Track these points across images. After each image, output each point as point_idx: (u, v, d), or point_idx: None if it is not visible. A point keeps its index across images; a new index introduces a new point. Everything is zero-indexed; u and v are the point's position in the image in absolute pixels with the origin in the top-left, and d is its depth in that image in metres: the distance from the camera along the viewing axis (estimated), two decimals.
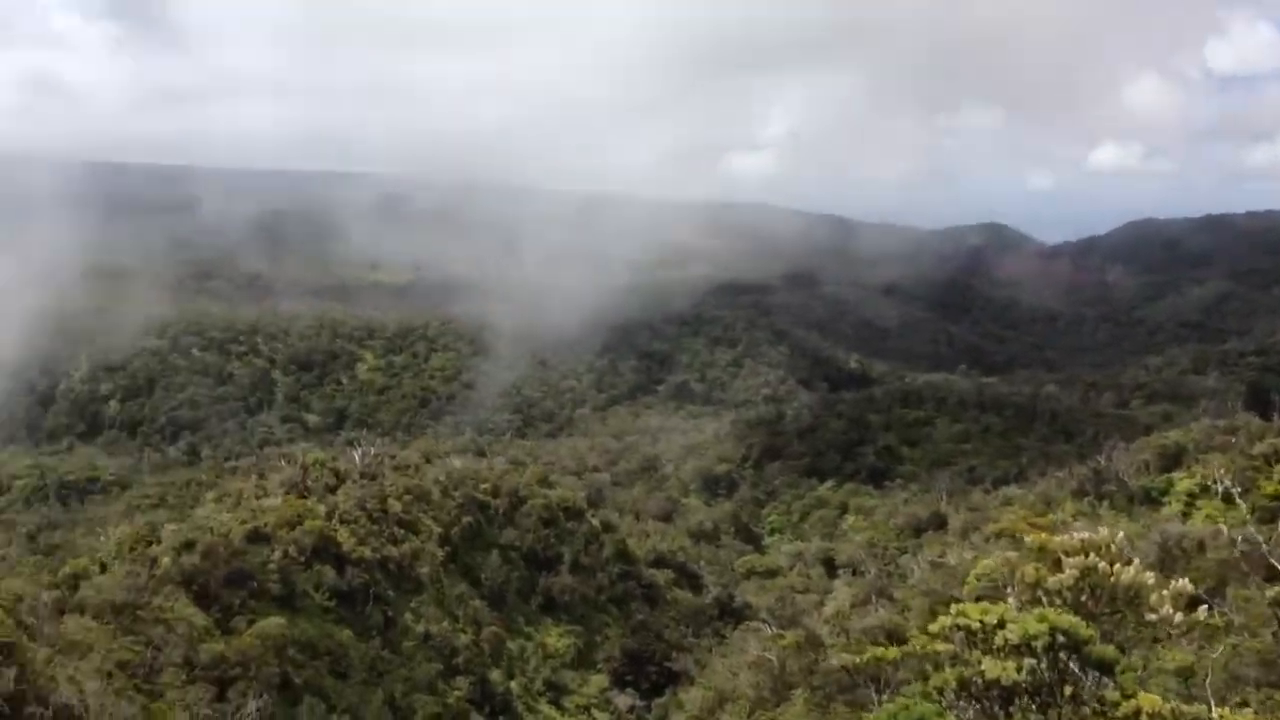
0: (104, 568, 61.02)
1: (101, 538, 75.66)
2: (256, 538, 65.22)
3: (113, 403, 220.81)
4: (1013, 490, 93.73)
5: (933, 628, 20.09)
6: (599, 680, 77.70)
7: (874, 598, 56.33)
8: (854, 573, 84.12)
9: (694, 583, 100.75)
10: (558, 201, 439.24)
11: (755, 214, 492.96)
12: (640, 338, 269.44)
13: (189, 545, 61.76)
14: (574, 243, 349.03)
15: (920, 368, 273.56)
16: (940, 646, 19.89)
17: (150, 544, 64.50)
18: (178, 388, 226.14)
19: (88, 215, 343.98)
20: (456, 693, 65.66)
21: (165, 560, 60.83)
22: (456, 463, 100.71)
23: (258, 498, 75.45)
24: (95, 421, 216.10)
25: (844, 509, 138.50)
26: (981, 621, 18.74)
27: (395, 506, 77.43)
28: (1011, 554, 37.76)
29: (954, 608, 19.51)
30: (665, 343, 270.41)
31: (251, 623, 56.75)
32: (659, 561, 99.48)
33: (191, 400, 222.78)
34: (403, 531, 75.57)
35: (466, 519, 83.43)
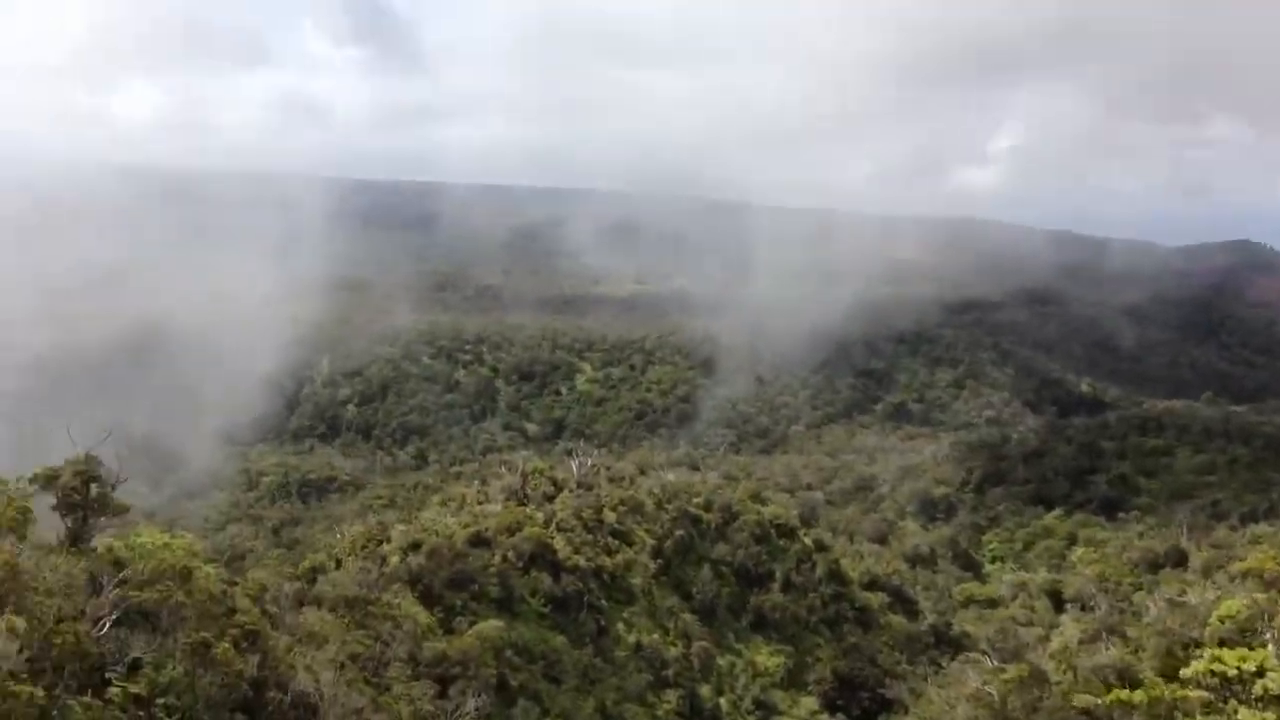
0: (338, 564, 64.42)
1: (337, 535, 79.92)
2: (478, 542, 67.44)
3: (350, 407, 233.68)
4: (1263, 528, 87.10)
5: (1185, 673, 18.60)
6: (809, 702, 76.43)
7: (1104, 635, 53.14)
8: (1082, 607, 79.68)
9: (909, 608, 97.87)
10: (780, 217, 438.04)
11: (982, 229, 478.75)
12: (858, 355, 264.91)
13: (416, 546, 64.49)
14: (795, 258, 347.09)
15: (1159, 393, 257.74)
16: (1191, 693, 18.37)
17: (380, 543, 67.74)
18: (409, 394, 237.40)
19: (335, 229, 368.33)
20: (666, 705, 65.93)
21: (394, 559, 63.74)
22: (670, 476, 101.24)
23: (480, 503, 78.12)
24: (334, 424, 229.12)
25: (1072, 540, 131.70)
26: (1239, 668, 17.21)
27: (610, 517, 78.59)
28: (1259, 595, 34.85)
29: (1208, 652, 18.02)
30: (883, 361, 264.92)
31: (472, 624, 58.62)
32: (873, 584, 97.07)
33: (421, 406, 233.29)
34: (617, 542, 76.61)
35: (679, 532, 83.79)
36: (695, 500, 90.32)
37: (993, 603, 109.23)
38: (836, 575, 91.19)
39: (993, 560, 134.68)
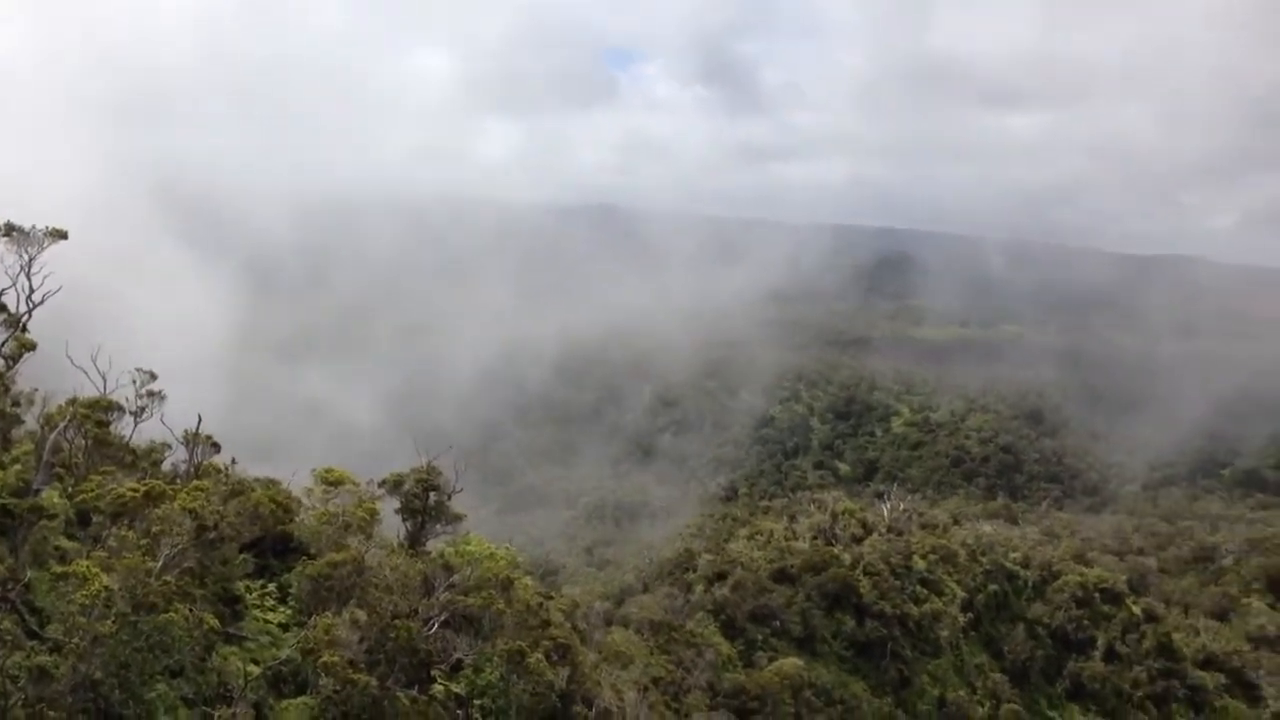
0: (646, 588, 66.28)
1: (646, 559, 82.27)
2: (783, 578, 67.42)
3: (666, 435, 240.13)
4: None
5: None
6: None
7: None
8: None
9: (1250, 693, 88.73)
10: (1130, 264, 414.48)
11: None
12: (1206, 415, 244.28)
13: (721, 577, 65.33)
14: (1142, 307, 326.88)
15: None
16: None
17: (687, 570, 69.08)
18: (724, 426, 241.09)
19: (679, 261, 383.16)
20: None
21: (699, 588, 64.84)
22: (986, 527, 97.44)
23: (787, 539, 78.00)
24: (651, 451, 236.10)
25: None
26: None
27: (919, 564, 76.45)
28: None
29: None
30: (1234, 422, 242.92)
31: (772, 659, 58.64)
32: (1208, 663, 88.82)
33: (735, 440, 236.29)
34: (925, 591, 74.37)
35: (993, 587, 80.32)
36: (1012, 555, 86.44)
37: None
38: (1167, 649, 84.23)
39: None
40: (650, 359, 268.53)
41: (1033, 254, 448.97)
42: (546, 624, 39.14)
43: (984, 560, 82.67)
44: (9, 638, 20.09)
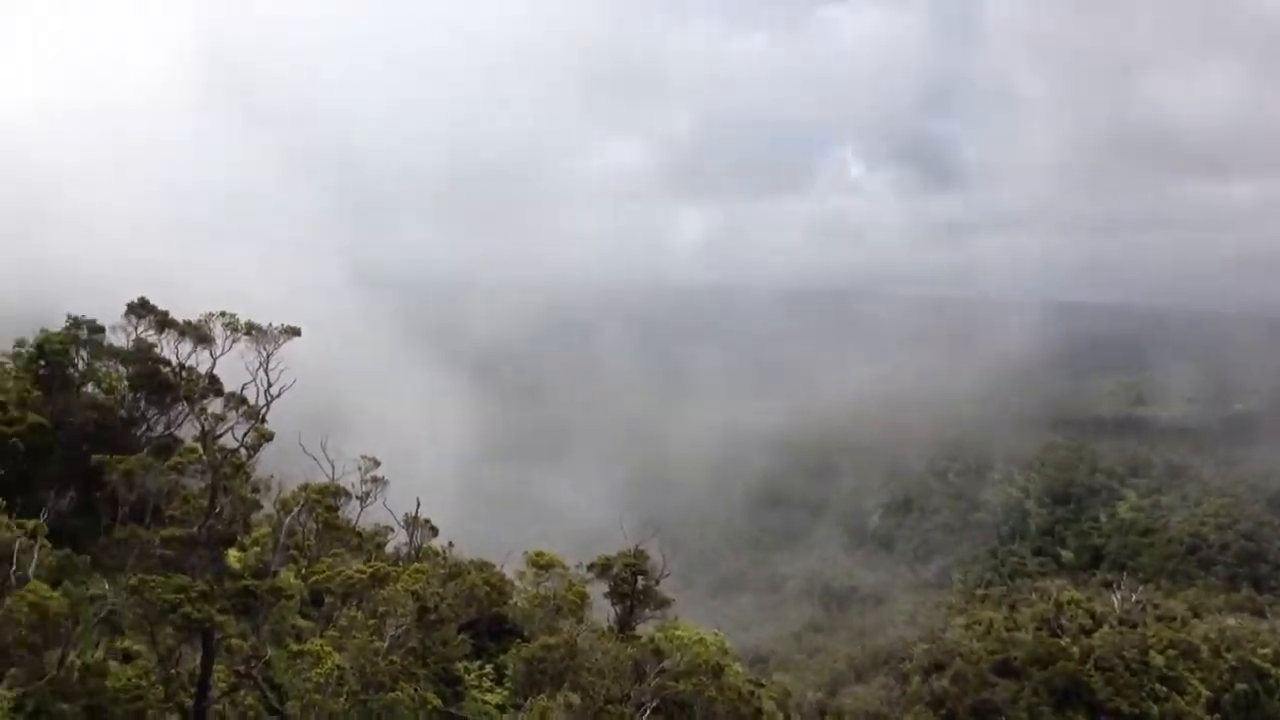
0: (859, 677, 64.36)
1: (859, 646, 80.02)
2: (1006, 671, 64.24)
3: (874, 518, 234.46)
4: None
5: None
6: None
7: None
8: None
9: None
10: None
11: None
12: None
13: (939, 668, 62.82)
14: None
15: None
16: None
17: (902, 660, 66.75)
18: (933, 509, 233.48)
19: (879, 343, 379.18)
20: None
21: (915, 679, 62.50)
22: (1230, 620, 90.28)
23: (1008, 630, 74.45)
24: (859, 534, 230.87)
25: None
26: None
27: (1157, 660, 71.44)
28: None
29: None
30: None
31: None
32: None
33: (946, 524, 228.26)
34: (1165, 689, 69.32)
35: (1241, 686, 74.04)
36: (1261, 651, 79.57)
37: None
38: None
39: None
40: (857, 442, 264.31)
41: (1259, 325, 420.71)
42: (759, 712, 38.35)
43: (1229, 656, 76.51)
44: (252, 713, 21.05)
